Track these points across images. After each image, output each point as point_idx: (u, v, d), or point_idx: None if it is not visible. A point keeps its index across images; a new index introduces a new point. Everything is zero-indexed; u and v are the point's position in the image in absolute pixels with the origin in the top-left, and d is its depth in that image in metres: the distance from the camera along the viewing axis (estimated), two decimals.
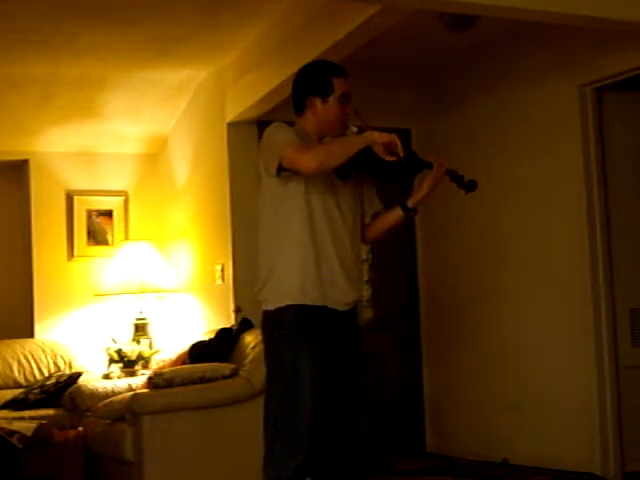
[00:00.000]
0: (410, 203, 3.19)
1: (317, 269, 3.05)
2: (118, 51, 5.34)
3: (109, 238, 6.59)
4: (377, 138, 2.94)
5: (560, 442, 5.14)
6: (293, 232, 3.07)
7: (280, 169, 3.01)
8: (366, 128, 3.07)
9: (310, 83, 3.18)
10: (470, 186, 3.09)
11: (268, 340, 3.15)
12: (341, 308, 3.12)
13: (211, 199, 5.97)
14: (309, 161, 2.94)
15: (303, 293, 3.05)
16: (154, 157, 6.76)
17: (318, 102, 3.15)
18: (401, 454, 5.98)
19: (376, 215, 3.31)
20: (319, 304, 3.06)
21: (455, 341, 5.98)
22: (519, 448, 5.40)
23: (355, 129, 3.14)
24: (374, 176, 3.21)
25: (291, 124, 3.20)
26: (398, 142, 2.92)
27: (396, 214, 3.24)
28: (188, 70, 5.81)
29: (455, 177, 3.09)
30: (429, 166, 3.07)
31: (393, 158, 2.94)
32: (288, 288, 3.06)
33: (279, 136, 3.05)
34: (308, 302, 3.05)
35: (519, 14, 3.94)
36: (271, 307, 3.10)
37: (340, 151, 2.98)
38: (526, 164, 5.42)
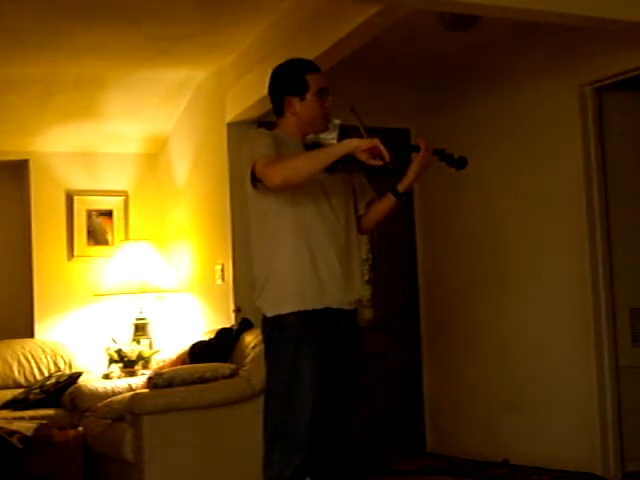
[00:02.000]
0: (400, 188, 3.14)
1: (314, 270, 3.03)
2: (118, 51, 5.34)
3: (109, 238, 6.59)
4: (357, 146, 2.87)
5: (560, 442, 5.15)
6: (285, 236, 3.05)
7: (254, 181, 3.00)
8: (360, 126, 3.04)
9: (284, 83, 3.17)
10: (460, 163, 3.07)
11: (268, 341, 3.14)
12: (346, 307, 3.10)
13: (211, 199, 5.97)
14: (273, 178, 2.92)
15: (302, 298, 3.03)
16: (154, 157, 6.76)
17: (296, 101, 3.14)
18: (401, 454, 5.98)
19: (369, 204, 3.28)
20: (320, 307, 3.04)
21: (455, 341, 5.98)
22: (519, 448, 5.40)
23: (337, 121, 3.10)
24: (362, 165, 3.13)
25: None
26: (382, 147, 2.84)
27: (388, 201, 3.20)
28: (188, 70, 5.81)
29: (444, 156, 3.07)
30: (416, 149, 3.04)
31: (379, 163, 2.87)
32: (286, 295, 3.04)
33: (254, 147, 3.02)
34: (309, 307, 3.03)
35: (519, 14, 3.94)
36: (271, 314, 3.09)
37: (308, 165, 2.93)
38: (526, 164, 5.42)
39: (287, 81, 3.16)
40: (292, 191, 3.02)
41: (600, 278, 5.01)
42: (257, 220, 3.14)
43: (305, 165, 2.95)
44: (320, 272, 3.05)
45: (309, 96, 3.13)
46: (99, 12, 4.70)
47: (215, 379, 4.70)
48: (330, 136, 3.09)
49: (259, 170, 2.96)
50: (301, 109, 3.14)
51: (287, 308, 3.04)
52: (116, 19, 4.80)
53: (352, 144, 2.89)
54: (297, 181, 2.95)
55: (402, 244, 6.31)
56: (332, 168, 3.04)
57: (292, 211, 3.05)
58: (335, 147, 2.96)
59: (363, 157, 2.88)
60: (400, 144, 3.05)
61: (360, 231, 3.27)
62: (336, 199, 3.13)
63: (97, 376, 5.87)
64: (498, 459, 5.49)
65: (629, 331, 5.08)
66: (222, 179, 5.71)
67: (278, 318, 3.06)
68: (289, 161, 2.97)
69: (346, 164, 3.07)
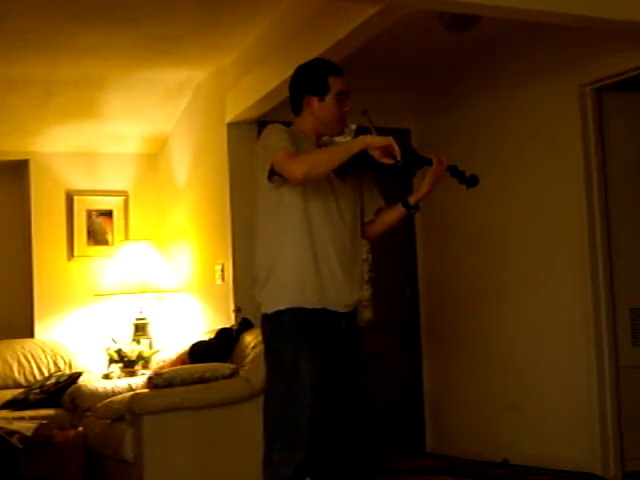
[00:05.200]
0: (412, 200, 3.18)
1: (316, 271, 3.04)
2: (118, 51, 5.34)
3: (109, 238, 6.59)
4: (371, 142, 2.91)
5: (560, 442, 5.14)
6: (290, 234, 3.06)
7: (272, 174, 3.01)
8: (371, 128, 3.06)
9: (306, 83, 3.18)
10: (471, 181, 3.08)
11: (268, 341, 3.15)
12: (342, 309, 3.11)
13: (211, 199, 5.97)
14: (294, 170, 2.92)
15: (302, 296, 3.04)
16: (154, 157, 6.76)
17: (315, 101, 3.15)
18: (401, 454, 5.99)
19: (378, 212, 3.30)
20: (319, 307, 3.05)
21: (455, 341, 5.98)
22: (519, 448, 5.40)
23: (354, 126, 3.13)
24: (373, 173, 3.18)
25: (290, 125, 3.20)
26: (395, 145, 2.89)
27: (398, 211, 3.23)
28: (188, 70, 5.81)
29: (456, 172, 3.08)
30: (429, 163, 3.06)
31: (391, 161, 2.91)
32: (287, 292, 3.05)
33: (272, 140, 3.03)
34: (307, 305, 3.04)
35: (519, 14, 3.94)
36: (270, 310, 3.09)
37: (329, 159, 2.97)
38: (526, 164, 5.42)
39: (309, 80, 3.18)
40: (302, 189, 3.04)
41: (600, 278, 5.01)
42: (264, 215, 3.15)
43: (325, 159, 2.98)
44: (322, 273, 3.06)
45: (328, 98, 3.14)
46: (99, 12, 4.70)
47: (215, 379, 4.70)
48: (345, 140, 3.11)
49: (279, 162, 2.96)
50: (319, 110, 3.15)
51: (287, 304, 3.04)
52: (116, 19, 4.81)
53: (367, 140, 2.93)
54: (317, 175, 2.98)
55: (402, 244, 6.30)
56: (344, 172, 3.08)
57: (301, 209, 3.06)
58: (352, 142, 2.99)
59: (376, 154, 2.91)
60: (414, 155, 3.06)
61: (365, 236, 3.30)
62: (344, 202, 3.15)
63: (97, 376, 5.88)
64: (498, 459, 5.49)
65: (629, 331, 5.08)
66: (222, 179, 5.71)
67: (277, 315, 3.07)
68: (310, 155, 3.01)
69: (357, 169, 3.10)
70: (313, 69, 3.21)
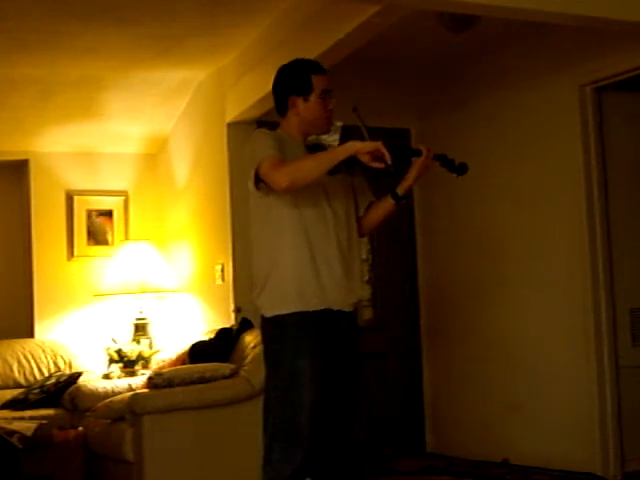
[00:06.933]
0: (400, 191, 3.17)
1: (315, 272, 3.04)
2: (118, 51, 5.34)
3: (109, 238, 6.59)
4: (360, 148, 2.90)
5: (560, 442, 5.15)
6: (286, 236, 3.05)
7: (258, 181, 3.00)
8: (362, 126, 3.05)
9: (289, 83, 3.17)
10: (461, 169, 3.10)
11: (267, 341, 3.14)
12: (346, 309, 3.11)
13: (211, 199, 5.97)
14: (279, 181, 2.92)
15: (303, 300, 3.03)
16: (154, 157, 6.76)
17: (299, 101, 3.15)
18: (401, 454, 5.99)
19: (368, 207, 3.29)
20: (320, 308, 3.05)
21: (455, 341, 5.98)
22: (519, 448, 5.41)
23: (340, 124, 3.13)
24: (363, 168, 3.16)
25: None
26: (384, 150, 2.88)
27: (388, 203, 3.22)
28: (188, 70, 5.81)
29: (445, 162, 3.10)
30: (418, 154, 3.07)
31: (381, 165, 2.91)
32: (286, 295, 3.04)
33: (258, 148, 3.03)
34: (309, 308, 3.03)
35: (519, 14, 3.94)
36: (270, 314, 3.09)
37: (315, 168, 2.95)
38: (526, 164, 5.43)
39: (292, 81, 3.17)
40: (294, 192, 3.02)
41: (600, 278, 5.01)
42: (258, 220, 3.14)
43: (311, 168, 2.96)
44: (321, 274, 3.05)
45: (313, 97, 3.13)
46: (99, 12, 4.70)
47: (215, 379, 4.70)
48: (332, 138, 3.11)
49: (264, 172, 2.96)
50: (304, 110, 3.15)
51: (287, 309, 3.04)
52: (116, 19, 4.80)
53: (356, 147, 2.92)
54: (303, 184, 2.95)
55: (402, 244, 6.30)
56: (334, 170, 3.06)
57: (293, 212, 3.05)
58: (339, 149, 2.97)
59: (365, 159, 2.91)
60: (402, 148, 3.07)
61: (359, 234, 3.28)
62: (337, 201, 3.14)
63: (97, 376, 5.88)
64: (498, 459, 5.49)
65: (629, 331, 5.08)
66: (222, 179, 5.71)
67: (278, 318, 3.06)
68: (295, 164, 2.98)
69: (348, 166, 3.09)
70: (296, 69, 3.20)
